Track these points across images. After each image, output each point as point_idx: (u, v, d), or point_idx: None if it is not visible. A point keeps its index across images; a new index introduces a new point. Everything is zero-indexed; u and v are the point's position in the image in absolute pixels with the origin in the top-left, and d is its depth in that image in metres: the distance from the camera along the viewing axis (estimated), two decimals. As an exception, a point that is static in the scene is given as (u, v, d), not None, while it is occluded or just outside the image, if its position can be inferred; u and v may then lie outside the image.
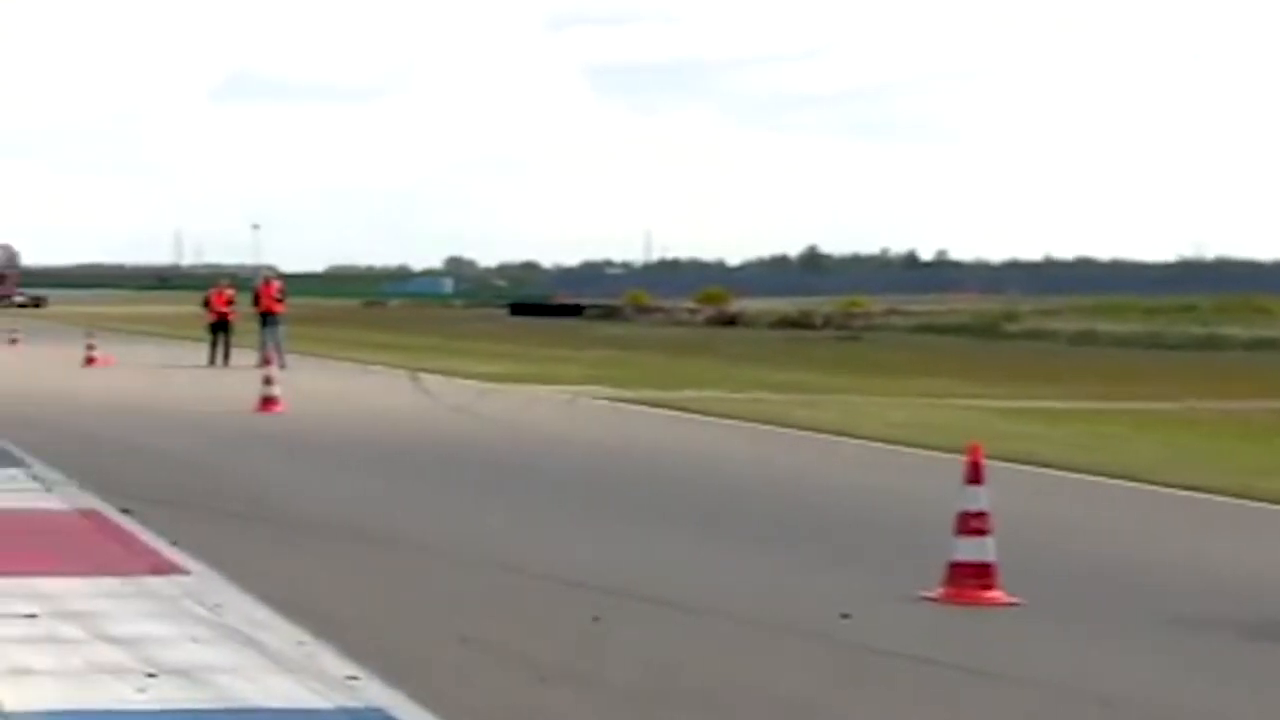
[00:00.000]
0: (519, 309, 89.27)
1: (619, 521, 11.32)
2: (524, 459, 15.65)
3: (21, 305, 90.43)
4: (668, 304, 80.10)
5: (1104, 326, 53.40)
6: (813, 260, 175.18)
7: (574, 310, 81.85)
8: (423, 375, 28.17)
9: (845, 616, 7.97)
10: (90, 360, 30.08)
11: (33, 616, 7.28)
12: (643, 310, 79.66)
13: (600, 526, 11.07)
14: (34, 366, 29.93)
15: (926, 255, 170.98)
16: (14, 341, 39.40)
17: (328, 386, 25.56)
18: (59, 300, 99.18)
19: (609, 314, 78.79)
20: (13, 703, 5.89)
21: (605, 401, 22.84)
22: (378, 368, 30.97)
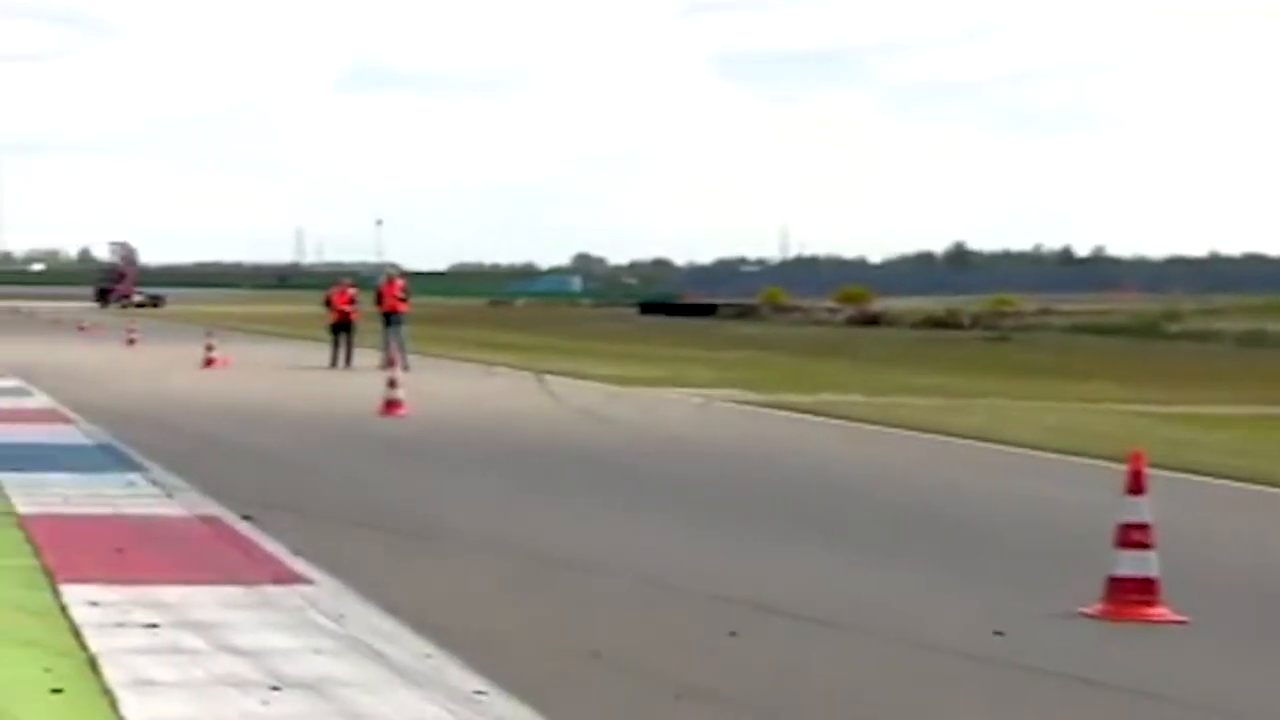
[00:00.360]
0: (649, 308, 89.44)
1: (755, 531, 11.30)
2: (654, 465, 15.67)
3: (140, 305, 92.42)
4: (805, 303, 79.82)
5: (1274, 327, 52.28)
6: (960, 257, 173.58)
7: (707, 310, 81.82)
8: (549, 377, 28.34)
9: (998, 634, 7.89)
10: (209, 361, 30.64)
11: (154, 627, 7.42)
12: (779, 310, 79.43)
13: (736, 536, 11.05)
14: (152, 367, 30.56)
15: (1082, 251, 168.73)
16: (131, 342, 40.28)
17: (452, 389, 25.80)
18: (177, 299, 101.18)
19: (744, 314, 78.66)
20: (135, 716, 6.02)
21: (739, 405, 22.81)
22: (503, 369, 31.21)
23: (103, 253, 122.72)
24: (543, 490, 13.40)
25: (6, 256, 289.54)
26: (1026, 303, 72.21)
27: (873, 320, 68.34)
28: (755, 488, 14.00)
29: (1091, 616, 8.28)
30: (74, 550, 9.33)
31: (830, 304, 78.66)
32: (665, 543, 10.70)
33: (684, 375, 29.88)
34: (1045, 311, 67.44)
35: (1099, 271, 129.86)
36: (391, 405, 20.28)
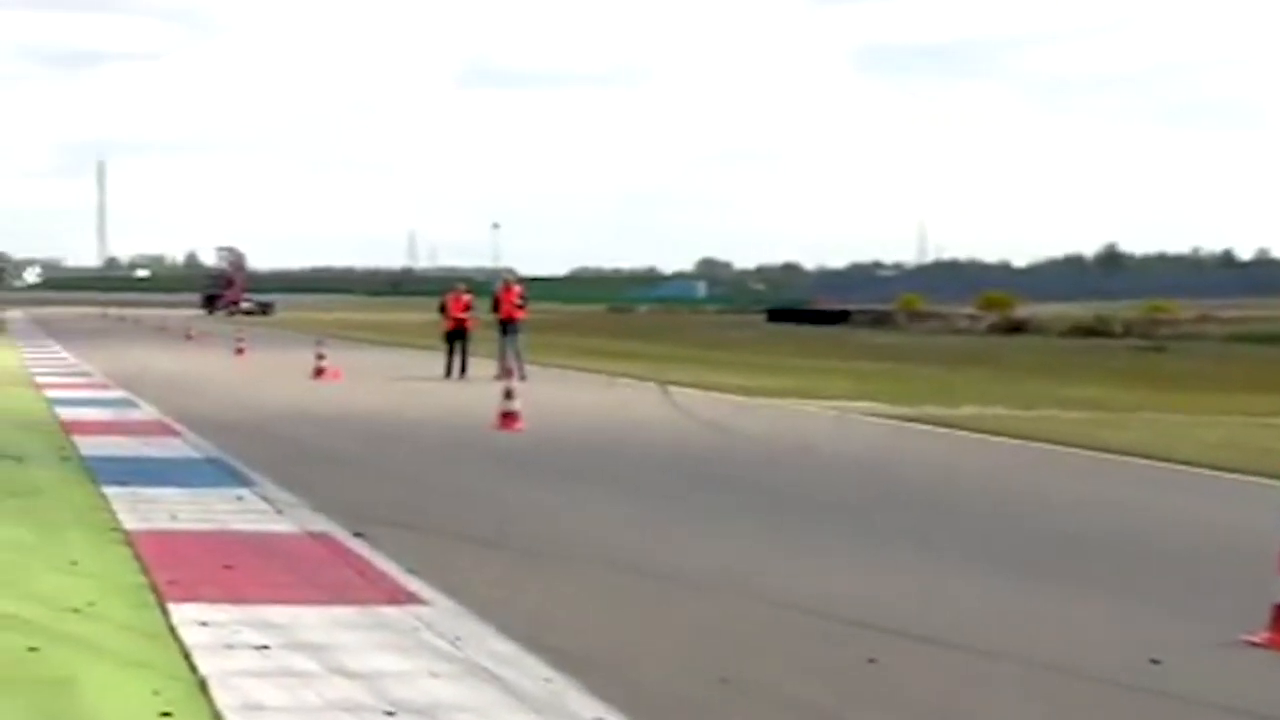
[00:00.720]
0: (778, 315, 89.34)
1: (894, 552, 11.23)
2: (785, 481, 15.63)
3: (248, 312, 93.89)
4: (945, 310, 79.31)
5: None
6: (1111, 260, 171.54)
7: (840, 317, 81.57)
8: (673, 388, 28.37)
9: (1155, 662, 7.78)
10: (319, 371, 31.01)
11: (265, 648, 7.52)
12: (916, 317, 78.97)
13: (873, 557, 10.99)
14: (261, 377, 31.00)
15: (1245, 254, 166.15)
16: (240, 351, 40.89)
17: (571, 400, 25.91)
18: (286, 306, 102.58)
19: (879, 321, 78.32)
20: (245, 738, 6.09)
21: (875, 419, 22.70)
22: (625, 380, 31.29)
23: (210, 258, 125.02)
24: (667, 507, 13.41)
25: (111, 262, 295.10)
26: (1184, 309, 71.22)
27: (1017, 328, 67.71)
28: (892, 506, 13.92)
29: (1257, 645, 8.14)
30: (182, 568, 9.47)
31: (971, 310, 78.09)
32: (796, 564, 10.66)
33: (816, 386, 29.78)
34: (1204, 319, 66.49)
35: (1263, 275, 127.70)
36: (508, 417, 20.40)
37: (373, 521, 11.65)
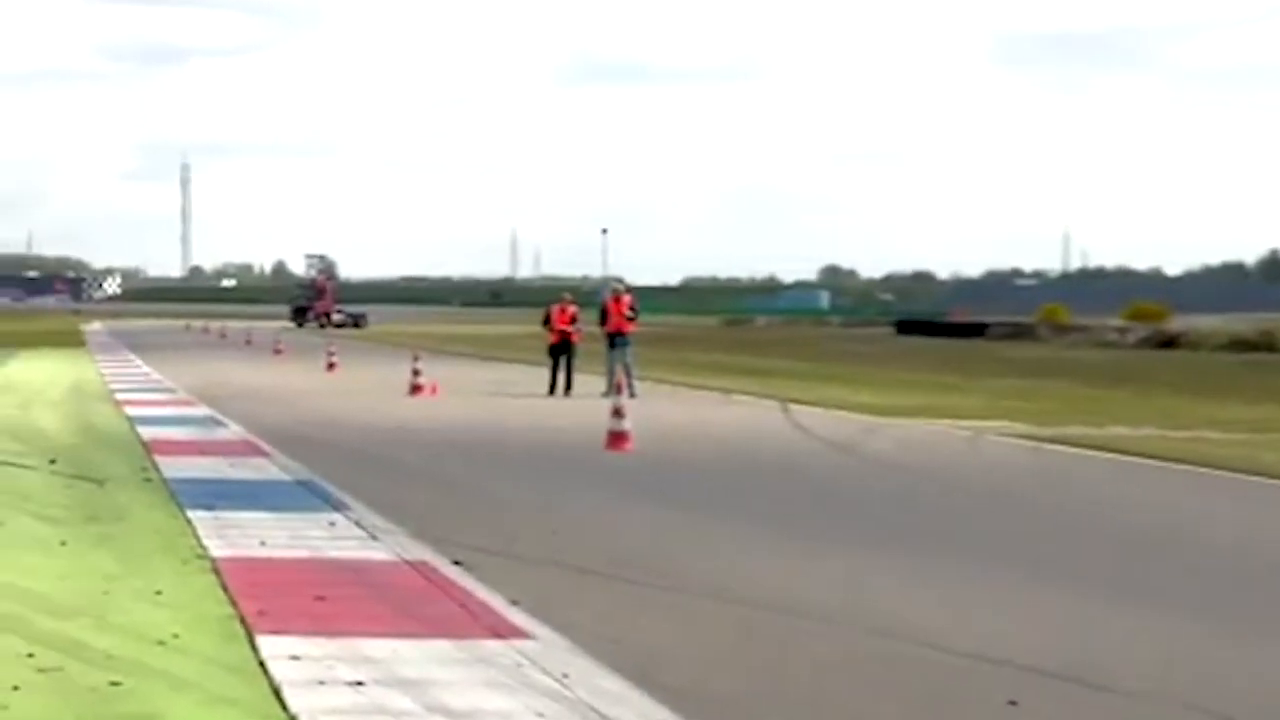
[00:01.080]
0: (908, 327, 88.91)
1: (1035, 585, 11.13)
2: (916, 507, 15.55)
3: (340, 324, 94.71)
4: (1090, 322, 78.56)
5: None
6: (1276, 268, 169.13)
7: (975, 329, 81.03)
8: (795, 406, 28.31)
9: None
10: (415, 388, 31.23)
11: (359, 685, 7.57)
12: (1059, 330, 78.29)
13: (1013, 590, 10.91)
14: (353, 394, 31.27)
15: None
16: (331, 365, 41.28)
17: (684, 419, 25.92)
18: (380, 318, 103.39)
19: (1018, 334, 77.73)
20: (339, 780, 6.14)
21: (1013, 439, 22.52)
22: (742, 397, 31.26)
23: (299, 267, 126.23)
24: (788, 535, 13.38)
25: (195, 271, 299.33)
26: (1356, 321, 70.05)
27: (1169, 342, 66.92)
28: (1032, 533, 13.80)
29: None
30: (272, 598, 9.57)
31: (1119, 323, 77.30)
32: (927, 596, 10.60)
33: (948, 404, 29.60)
34: (1378, 332, 65.34)
35: None
36: (617, 438, 20.43)
37: (473, 549, 11.71)
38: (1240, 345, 62.86)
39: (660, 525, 13.87)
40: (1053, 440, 22.19)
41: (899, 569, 11.74)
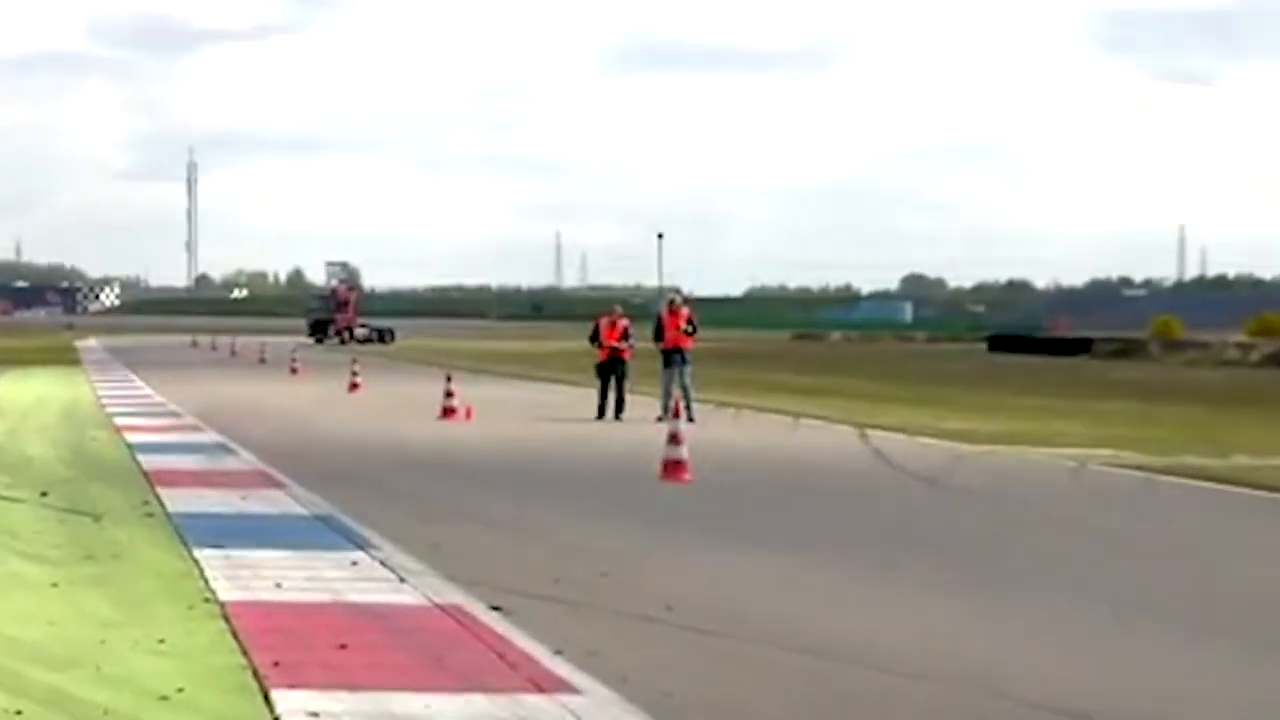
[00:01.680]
0: (1002, 343, 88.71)
1: (1140, 635, 11.09)
2: (1014, 548, 15.50)
3: (364, 340, 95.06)
4: (1209, 337, 78.18)
5: None
6: None
7: (1078, 345, 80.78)
8: (874, 431, 28.25)
9: None
10: (448, 411, 31.31)
11: (385, 742, 7.60)
12: (1174, 346, 77.99)
13: (1117, 642, 10.87)
14: (379, 418, 31.35)
15: None
16: (354, 386, 41.43)
17: (749, 446, 25.90)
18: (409, 333, 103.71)
19: (1127, 351, 77.44)
20: None
21: (1121, 470, 22.43)
22: (814, 422, 31.23)
23: (318, 276, 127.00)
24: (865, 578, 13.35)
25: (202, 280, 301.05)
26: None
27: (1300, 360, 66.55)
28: (1145, 578, 13.74)
29: None
30: (288, 647, 9.61)
31: (1242, 338, 76.90)
32: (1020, 648, 10.57)
33: (1048, 431, 29.50)
34: None
35: None
36: (674, 467, 20.44)
37: (513, 592, 11.73)
38: (1380, 363, 62.45)
39: (721, 565, 13.86)
40: (1167, 471, 22.09)
41: (992, 617, 11.70)
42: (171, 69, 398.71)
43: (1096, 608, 12.21)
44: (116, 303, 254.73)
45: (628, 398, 31.91)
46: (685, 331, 31.34)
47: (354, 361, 44.54)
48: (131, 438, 24.69)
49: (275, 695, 8.44)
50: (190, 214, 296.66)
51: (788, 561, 14.19)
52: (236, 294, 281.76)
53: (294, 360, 54.25)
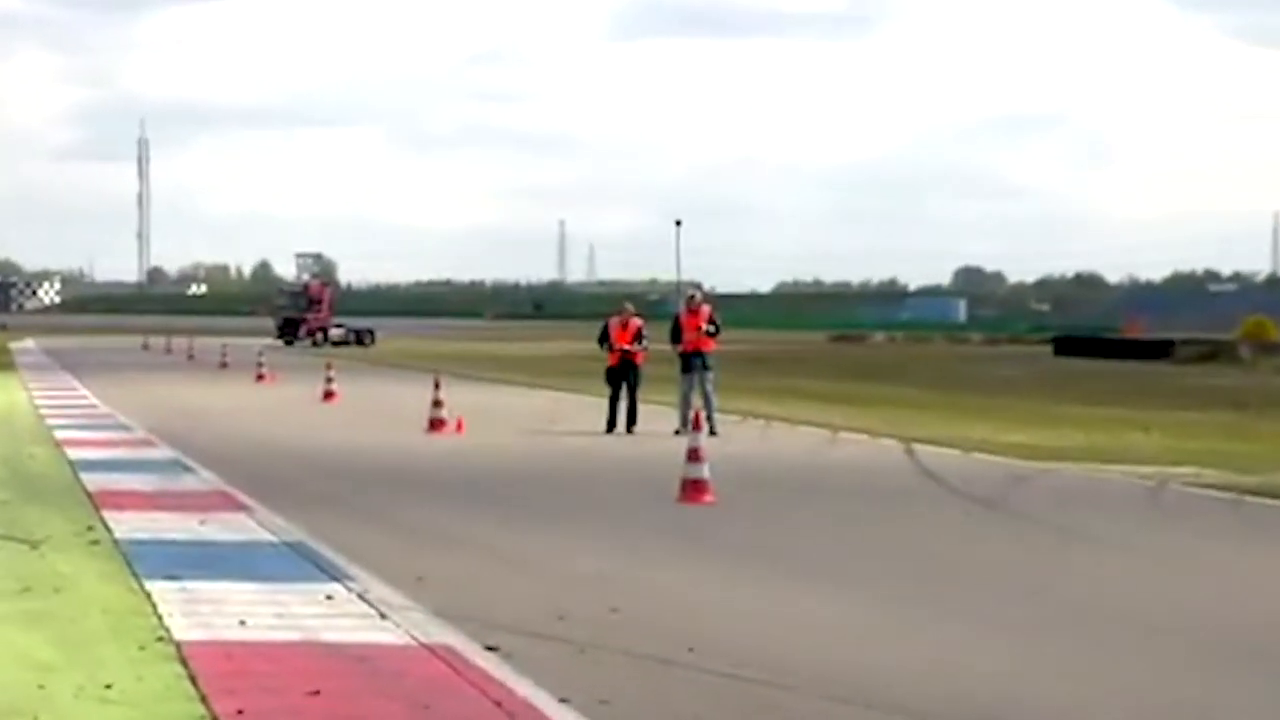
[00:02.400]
0: (1069, 346, 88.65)
1: (1235, 689, 11.07)
2: (1082, 583, 15.44)
3: (340, 342, 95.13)
4: (1308, 338, 78.06)
5: None
6: None
7: (1157, 349, 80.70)
8: (922, 446, 28.21)
9: None
10: (436, 423, 31.28)
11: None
12: (1267, 349, 77.89)
13: (1199, 695, 10.85)
14: (357, 430, 31.32)
15: None
16: (329, 395, 41.43)
17: (779, 464, 25.87)
18: (389, 332, 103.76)
19: (1212, 354, 77.35)
20: None
21: (1208, 491, 22.39)
22: (854, 435, 31.18)
23: (288, 269, 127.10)
24: (910, 619, 13.31)
25: (156, 274, 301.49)
26: None
27: None
28: (1225, 615, 13.71)
29: None
30: (253, 693, 9.60)
31: (1344, 340, 76.73)
32: (1089, 694, 10.55)
33: (1123, 446, 29.45)
34: None
35: None
36: (694, 487, 20.40)
37: (511, 630, 11.72)
38: None
39: (749, 601, 13.84)
40: (1259, 492, 22.06)
41: (1061, 663, 11.68)
42: (119, 32, 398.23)
43: (1174, 652, 12.18)
44: (57, 299, 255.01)
45: (641, 408, 31.86)
46: (707, 332, 31.31)
47: (329, 366, 44.49)
48: (74, 453, 24.68)
49: (239, 749, 8.44)
50: (141, 198, 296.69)
51: (824, 597, 14.16)
52: (194, 290, 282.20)
53: (260, 364, 54.23)
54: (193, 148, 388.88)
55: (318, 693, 9.70)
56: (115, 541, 15.63)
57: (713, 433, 28.02)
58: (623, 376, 31.88)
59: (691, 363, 31.25)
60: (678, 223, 38.79)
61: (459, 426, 31.16)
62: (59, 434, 28.64)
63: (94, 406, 37.52)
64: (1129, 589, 15.01)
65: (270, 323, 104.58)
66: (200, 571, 13.82)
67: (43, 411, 34.91)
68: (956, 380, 58.10)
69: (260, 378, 51.95)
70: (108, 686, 9.79)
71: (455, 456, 26.41)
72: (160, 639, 11.18)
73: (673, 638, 11.92)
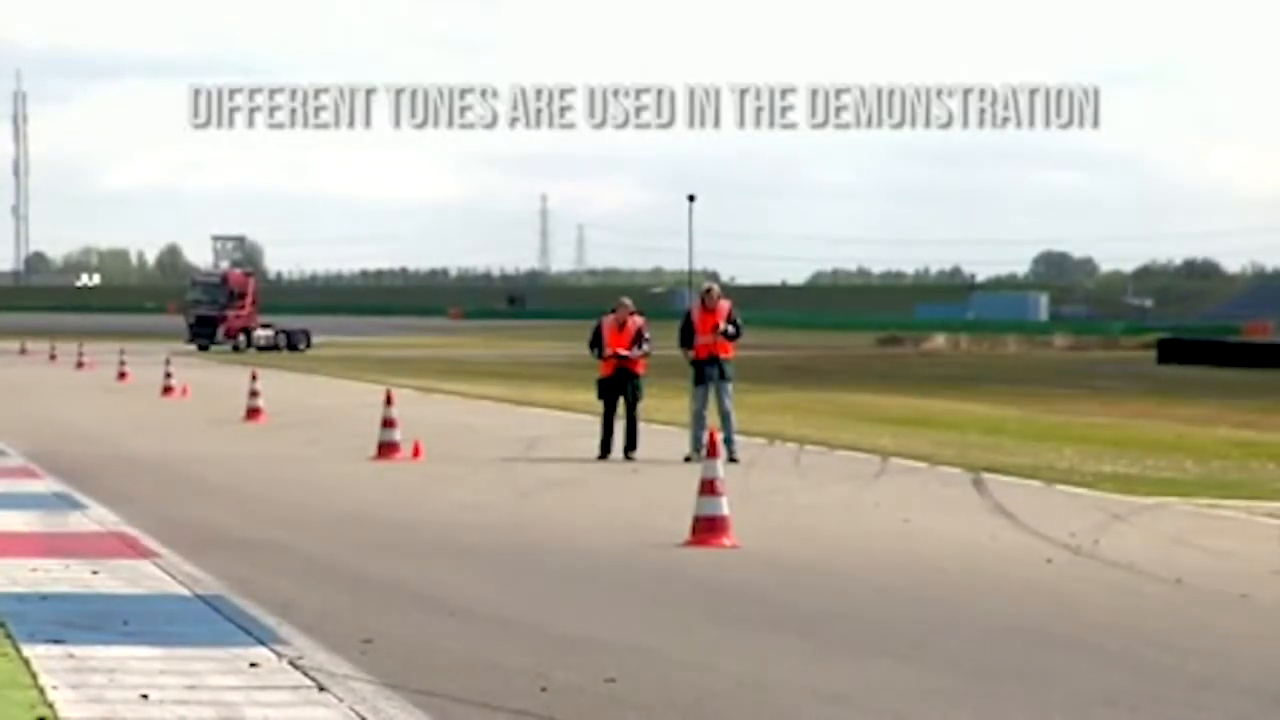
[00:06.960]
0: (1176, 350, 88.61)
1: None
2: (1196, 654, 15.44)
3: (268, 346, 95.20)
4: None
5: None
6: None
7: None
8: (993, 476, 28.21)
9: None
10: (387, 448, 31.25)
11: None
12: None
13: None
14: (286, 457, 31.36)
15: None
16: (253, 413, 41.39)
17: (812, 497, 25.88)
18: (328, 332, 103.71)
19: (1356, 360, 77.34)
20: None
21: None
22: (907, 463, 31.16)
23: (203, 256, 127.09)
24: (970, 700, 13.32)
25: (36, 261, 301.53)
26: None
27: None
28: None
29: None
30: (158, 785, 9.63)
31: None
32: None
33: (1245, 476, 29.45)
34: None
35: None
36: (708, 527, 20.40)
37: (478, 705, 11.76)
38: None
39: (771, 671, 13.87)
40: None
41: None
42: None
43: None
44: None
45: (642, 427, 31.85)
46: (725, 334, 31.25)
47: (254, 377, 44.49)
48: (-65, 486, 24.71)
49: None
50: (18, 167, 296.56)
51: (863, 670, 14.20)
52: (85, 281, 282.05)
53: (168, 374, 54.24)
54: (81, 104, 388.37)
55: (240, 788, 9.74)
56: (-14, 596, 15.65)
57: (732, 459, 28.04)
58: (619, 389, 31.84)
59: (706, 372, 31.19)
60: (690, 198, 38.70)
61: (416, 452, 31.13)
62: (-84, 461, 28.67)
63: (-42, 427, 37.52)
64: (1258, 666, 15.00)
65: (181, 322, 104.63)
66: (92, 633, 13.84)
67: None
68: (1035, 393, 58.05)
69: (168, 390, 51.88)
70: (-24, 778, 9.82)
71: (411, 490, 26.39)
72: (42, 718, 11.19)
73: (674, 713, 11.97)
